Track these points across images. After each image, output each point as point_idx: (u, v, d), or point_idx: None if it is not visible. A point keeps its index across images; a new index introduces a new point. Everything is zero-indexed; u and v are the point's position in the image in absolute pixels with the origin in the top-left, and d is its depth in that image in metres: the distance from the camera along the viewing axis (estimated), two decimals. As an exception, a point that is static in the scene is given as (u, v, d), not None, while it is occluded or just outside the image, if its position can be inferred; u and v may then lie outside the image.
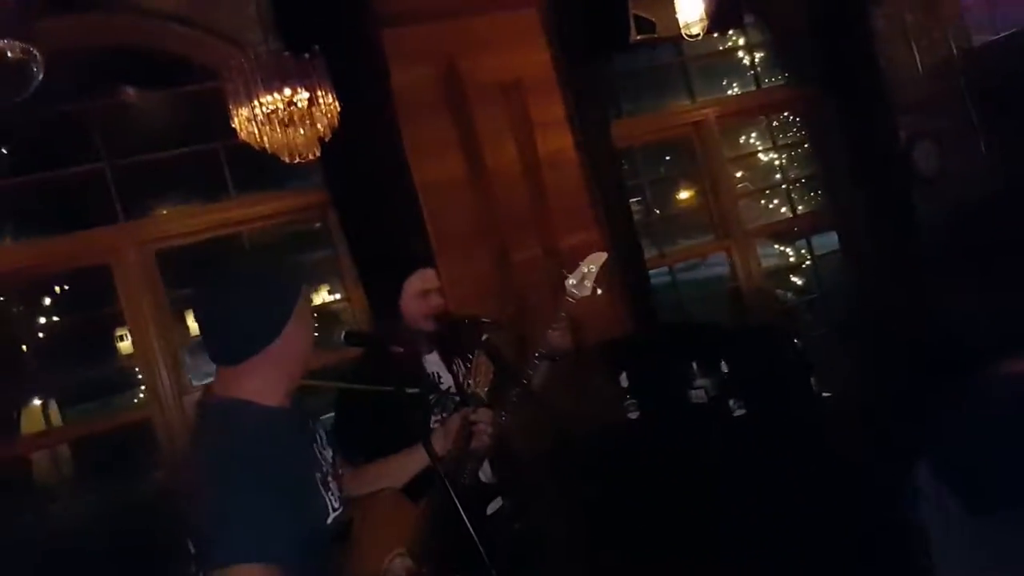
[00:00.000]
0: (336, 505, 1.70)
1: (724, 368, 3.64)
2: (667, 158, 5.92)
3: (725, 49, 5.61)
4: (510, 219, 4.09)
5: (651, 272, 4.72)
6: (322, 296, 4.53)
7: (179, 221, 3.96)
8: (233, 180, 4.01)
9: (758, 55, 5.62)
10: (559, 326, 2.62)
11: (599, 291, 2.57)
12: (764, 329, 3.89)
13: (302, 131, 3.18)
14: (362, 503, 1.90)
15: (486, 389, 2.31)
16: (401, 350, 2.03)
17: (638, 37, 4.26)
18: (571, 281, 2.57)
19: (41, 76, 2.53)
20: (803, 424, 3.43)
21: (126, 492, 3.98)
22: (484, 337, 2.79)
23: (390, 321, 2.81)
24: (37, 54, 2.49)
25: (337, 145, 3.62)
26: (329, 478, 1.72)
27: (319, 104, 3.16)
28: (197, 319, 1.66)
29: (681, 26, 3.96)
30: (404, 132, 3.79)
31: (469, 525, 1.74)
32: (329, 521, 1.66)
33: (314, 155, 3.29)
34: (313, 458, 1.73)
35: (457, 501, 1.75)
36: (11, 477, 3.61)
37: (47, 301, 7.09)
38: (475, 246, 3.98)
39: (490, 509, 2.56)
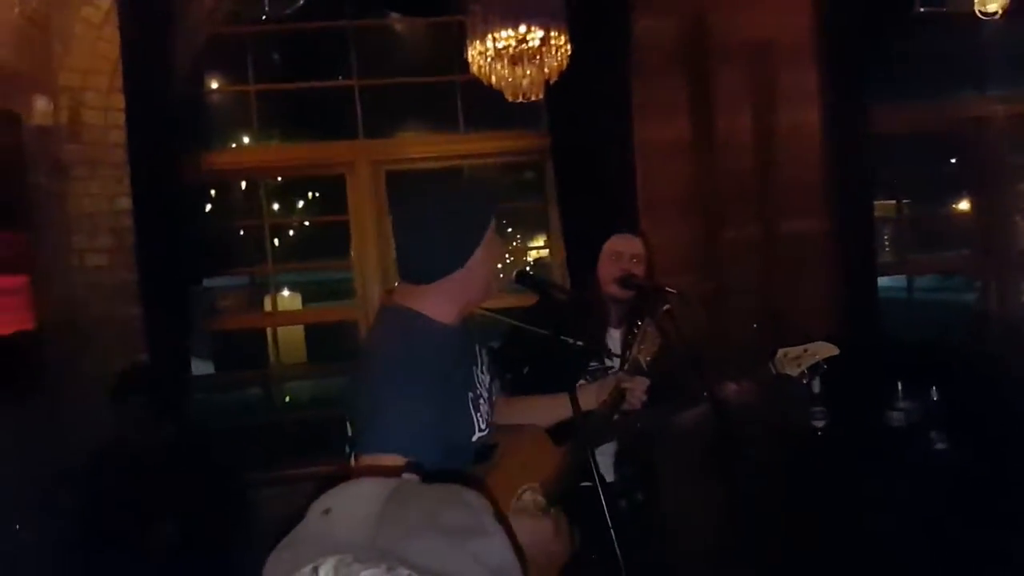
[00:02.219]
0: (483, 427, 1.74)
1: (934, 395, 3.20)
2: (933, 154, 5.22)
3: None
4: (730, 192, 3.84)
5: (883, 278, 4.24)
6: (526, 243, 4.58)
7: (411, 146, 4.19)
8: (464, 115, 4.14)
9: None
10: (740, 386, 2.45)
11: (805, 381, 2.32)
12: (994, 362, 3.33)
13: (529, 71, 3.18)
14: (508, 433, 1.89)
15: (648, 359, 2.19)
16: (564, 297, 1.98)
17: (921, 9, 3.74)
18: (784, 353, 2.34)
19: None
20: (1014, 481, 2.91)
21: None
22: (665, 307, 2.69)
23: (583, 279, 2.77)
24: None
25: (564, 90, 3.63)
26: (481, 401, 1.77)
27: (550, 44, 3.14)
28: (394, 237, 1.78)
29: (976, 1, 3.42)
30: (634, 85, 3.66)
31: (599, 484, 1.73)
32: (473, 439, 1.71)
33: (537, 96, 3.29)
34: (469, 378, 1.78)
35: (592, 459, 1.72)
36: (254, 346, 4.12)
37: (300, 204, 7.93)
38: (686, 215, 3.79)
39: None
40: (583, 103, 3.65)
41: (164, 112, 3.72)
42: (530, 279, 1.96)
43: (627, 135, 3.68)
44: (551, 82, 3.23)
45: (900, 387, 3.30)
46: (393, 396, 1.62)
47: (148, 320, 3.70)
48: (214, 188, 4.44)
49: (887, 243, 4.91)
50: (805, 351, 2.26)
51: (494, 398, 1.87)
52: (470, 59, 3.16)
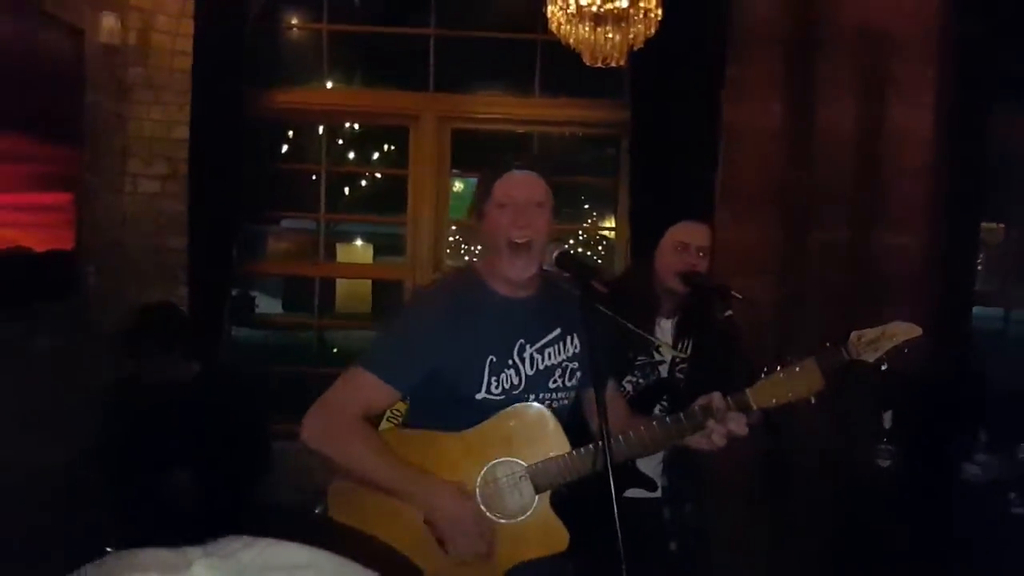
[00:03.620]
0: (495, 392, 1.76)
1: (1021, 452, 2.82)
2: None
3: None
4: (822, 191, 3.47)
5: (982, 309, 3.83)
6: (597, 222, 4.31)
7: (481, 105, 3.96)
8: (541, 78, 3.88)
9: None
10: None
11: (884, 367, 2.00)
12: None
13: (612, 33, 2.91)
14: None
15: (763, 405, 1.87)
16: (603, 288, 1.73)
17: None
18: (858, 336, 2.02)
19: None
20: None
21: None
22: (727, 313, 2.41)
23: (642, 267, 2.50)
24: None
25: (651, 59, 3.34)
26: (507, 369, 1.77)
27: (639, 7, 2.87)
28: None
29: None
30: (729, 63, 3.33)
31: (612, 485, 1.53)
32: (478, 397, 1.75)
33: (619, 62, 3.02)
34: (502, 346, 1.78)
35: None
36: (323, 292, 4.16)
37: (375, 155, 7.79)
38: (768, 211, 3.45)
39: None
40: (669, 76, 3.37)
41: (233, 43, 3.60)
42: (570, 260, 1.72)
43: (714, 116, 3.37)
44: (636, 49, 2.95)
45: (983, 436, 2.92)
46: (398, 325, 1.86)
47: (191, 254, 3.61)
48: (277, 128, 4.31)
49: (986, 269, 4.45)
50: (883, 333, 1.95)
51: (557, 383, 1.83)
52: (550, 15, 2.93)
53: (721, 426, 1.74)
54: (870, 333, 1.96)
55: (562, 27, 2.94)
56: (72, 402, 3.20)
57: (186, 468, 2.99)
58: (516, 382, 1.78)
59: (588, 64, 3.03)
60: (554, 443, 1.77)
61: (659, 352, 2.42)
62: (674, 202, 3.28)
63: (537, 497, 1.75)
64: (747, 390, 1.75)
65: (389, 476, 1.72)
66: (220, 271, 3.65)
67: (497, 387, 1.77)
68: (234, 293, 4.45)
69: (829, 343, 1.97)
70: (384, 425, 1.95)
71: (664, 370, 2.43)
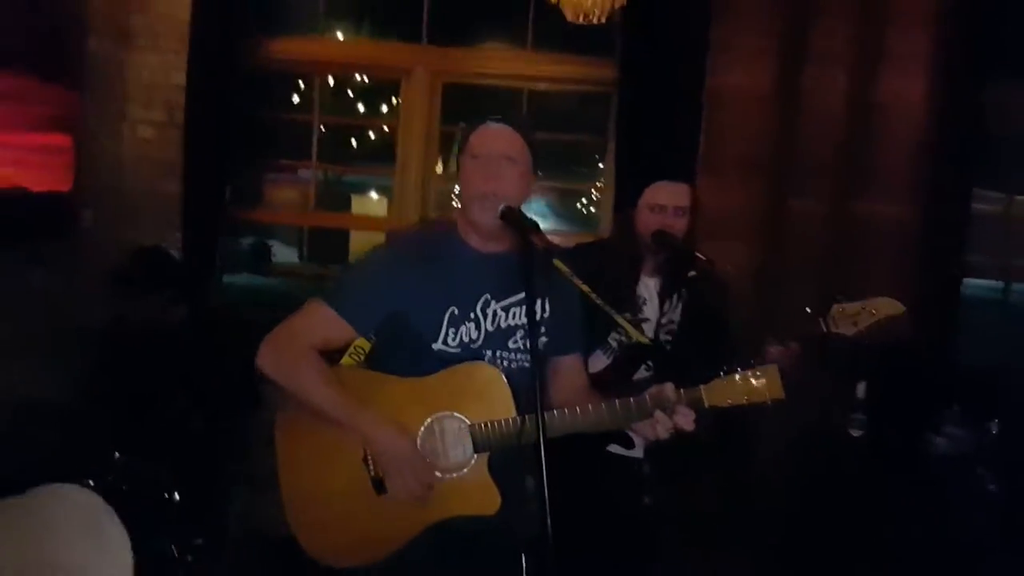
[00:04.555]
0: (452, 343, 1.75)
1: (994, 428, 2.83)
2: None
3: None
4: (806, 158, 3.46)
5: (975, 282, 3.81)
6: (587, 182, 4.32)
7: (473, 60, 3.97)
8: (534, 33, 3.88)
9: None
10: (788, 348, 2.11)
11: (861, 337, 2.02)
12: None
13: (592, -10, 2.91)
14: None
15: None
16: (543, 245, 1.74)
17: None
18: (840, 308, 2.03)
19: None
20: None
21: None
22: (690, 274, 2.43)
23: (624, 225, 2.52)
24: None
25: (640, 18, 3.34)
26: (467, 322, 1.76)
27: (620, -35, 2.86)
28: None
29: None
30: (714, 23, 3.31)
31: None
32: (434, 347, 1.75)
33: (600, 19, 3.02)
34: (464, 298, 1.77)
35: None
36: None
37: (384, 108, 7.83)
38: (749, 176, 3.45)
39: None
40: (656, 35, 3.35)
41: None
42: (512, 216, 1.73)
43: (698, 77, 3.36)
44: (618, 6, 2.95)
45: (957, 410, 2.92)
46: (363, 265, 1.91)
47: (185, 199, 3.72)
48: (283, 77, 4.35)
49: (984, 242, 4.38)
50: (864, 308, 1.98)
51: (520, 344, 1.80)
52: (533, -30, 2.93)
53: (668, 419, 1.68)
54: (852, 307, 1.99)
55: (544, -17, 2.96)
56: (66, 336, 3.35)
57: (169, 402, 3.13)
58: (475, 336, 1.77)
59: (570, 20, 3.04)
60: (501, 406, 1.73)
61: (645, 304, 2.42)
62: (658, 162, 3.28)
63: (475, 456, 1.73)
64: (702, 387, 1.69)
65: (335, 405, 1.74)
66: (212, 217, 3.75)
67: (455, 339, 1.76)
68: (251, 241, 4.58)
69: (810, 313, 2.01)
70: (344, 360, 1.97)
71: (649, 329, 2.41)
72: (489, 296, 1.79)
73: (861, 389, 3.16)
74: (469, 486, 1.74)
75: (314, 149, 4.02)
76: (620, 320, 2.16)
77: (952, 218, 3.55)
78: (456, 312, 1.76)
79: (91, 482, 2.67)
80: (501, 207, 1.71)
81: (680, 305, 2.46)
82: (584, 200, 4.22)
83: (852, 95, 3.43)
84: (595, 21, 3.04)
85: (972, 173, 3.55)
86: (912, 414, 3.15)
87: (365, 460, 1.77)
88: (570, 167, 4.19)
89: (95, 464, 2.68)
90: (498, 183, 1.72)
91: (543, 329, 1.83)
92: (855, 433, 3.12)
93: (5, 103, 2.97)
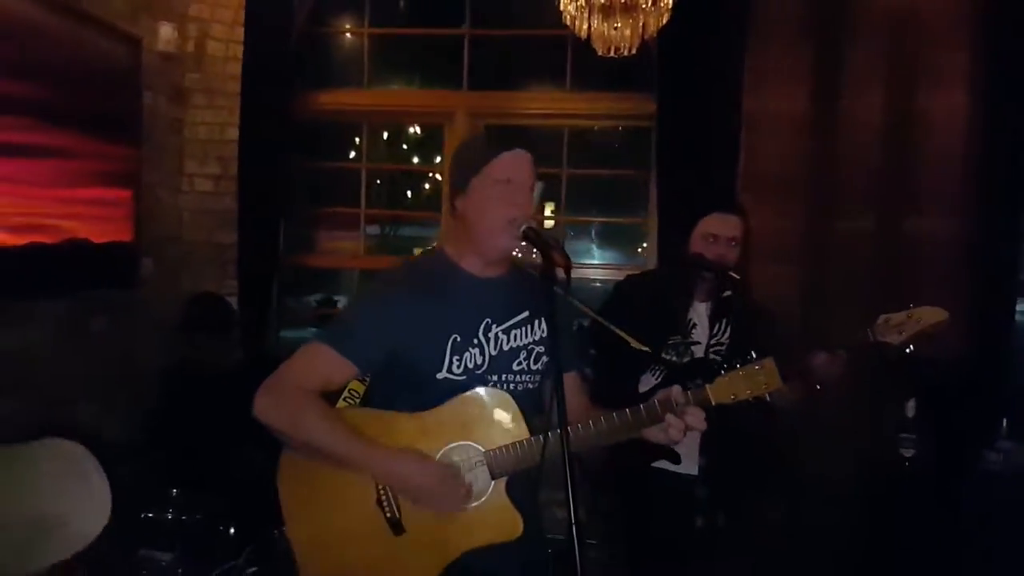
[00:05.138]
0: (457, 371, 1.74)
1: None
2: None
3: None
4: (848, 179, 3.42)
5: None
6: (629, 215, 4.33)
7: (513, 101, 4.06)
8: (573, 72, 3.96)
9: None
10: (833, 356, 2.11)
11: (909, 350, 2.01)
12: None
13: (620, 24, 2.97)
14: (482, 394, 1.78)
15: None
16: (563, 263, 1.73)
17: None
18: (885, 319, 2.03)
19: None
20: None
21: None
22: (725, 294, 2.48)
23: (676, 254, 2.65)
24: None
25: (674, 50, 3.39)
26: (471, 349, 1.75)
27: (648, -3, 2.91)
28: None
29: None
30: (750, 49, 3.34)
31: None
32: (439, 376, 1.73)
33: (630, 51, 3.06)
34: (466, 325, 1.76)
35: None
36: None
37: (438, 159, 8.01)
38: (790, 198, 3.42)
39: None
40: (692, 66, 3.39)
41: (280, 50, 3.81)
42: (535, 236, 1.70)
43: (734, 104, 3.37)
44: (648, 39, 3.00)
45: (1005, 424, 2.82)
46: (359, 302, 1.94)
47: (241, 248, 3.85)
48: (335, 129, 4.50)
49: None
50: (909, 317, 1.97)
51: (520, 366, 1.81)
52: (562, 8, 3.00)
53: (679, 420, 1.69)
54: (896, 317, 1.99)
55: (574, 20, 3.03)
56: (128, 379, 3.48)
57: (228, 445, 3.20)
58: (480, 361, 1.76)
59: (601, 55, 3.10)
60: (513, 429, 1.72)
61: (695, 329, 2.52)
62: (700, 192, 3.30)
63: (493, 482, 1.72)
64: (706, 386, 1.73)
65: (347, 446, 1.68)
66: (267, 264, 3.87)
67: (459, 366, 1.74)
68: (318, 297, 4.68)
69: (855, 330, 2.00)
70: (340, 404, 1.90)
71: (699, 351, 2.49)
72: (490, 320, 1.78)
73: (911, 407, 3.09)
74: (490, 513, 1.72)
75: (362, 198, 4.14)
76: (635, 343, 2.16)
77: (1004, 232, 3.46)
78: (459, 339, 1.74)
79: (151, 514, 2.79)
80: (524, 227, 1.71)
81: (729, 328, 2.53)
82: (629, 234, 4.21)
83: (892, 112, 3.40)
84: (625, 53, 3.08)
85: (1022, 186, 3.46)
86: (965, 431, 3.04)
87: (379, 502, 1.72)
88: (614, 202, 4.22)
89: (155, 498, 2.78)
90: (527, 208, 1.75)
91: (542, 349, 1.83)
92: (907, 453, 3.04)
93: (68, 161, 3.16)
